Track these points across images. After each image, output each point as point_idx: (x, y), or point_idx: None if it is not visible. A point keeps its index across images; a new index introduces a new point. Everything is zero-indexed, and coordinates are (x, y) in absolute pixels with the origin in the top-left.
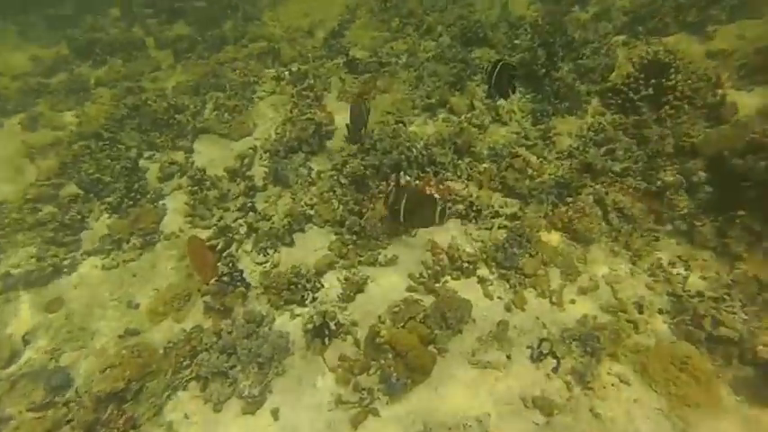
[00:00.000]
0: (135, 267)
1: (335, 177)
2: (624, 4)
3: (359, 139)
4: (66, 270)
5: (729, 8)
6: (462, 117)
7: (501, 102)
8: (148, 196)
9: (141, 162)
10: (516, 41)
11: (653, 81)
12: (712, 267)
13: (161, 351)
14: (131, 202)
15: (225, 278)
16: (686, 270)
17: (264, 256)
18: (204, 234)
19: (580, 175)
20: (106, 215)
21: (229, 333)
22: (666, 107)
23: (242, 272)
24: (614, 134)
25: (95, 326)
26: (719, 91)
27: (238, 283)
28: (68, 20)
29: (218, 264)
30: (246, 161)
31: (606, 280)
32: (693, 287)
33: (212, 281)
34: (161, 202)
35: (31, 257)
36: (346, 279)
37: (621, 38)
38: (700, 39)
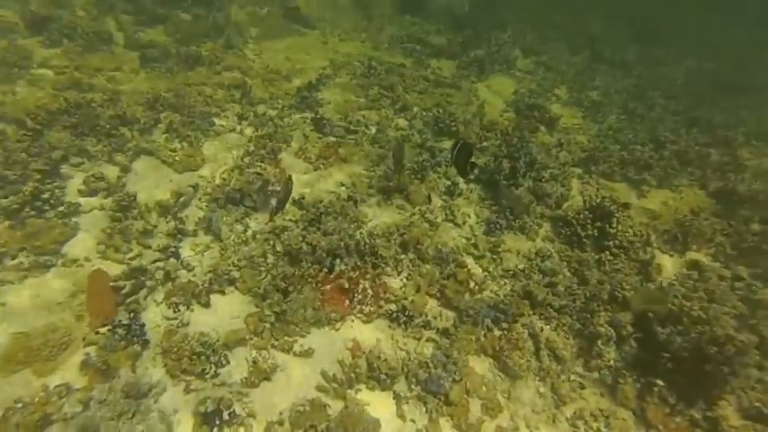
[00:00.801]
0: (9, 293)
1: (271, 243)
2: (583, 141)
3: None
4: None
5: (658, 177)
6: (416, 209)
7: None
8: (60, 209)
9: (64, 168)
10: (485, 143)
11: (598, 224)
12: (630, 430)
13: None
14: (34, 212)
15: (120, 329)
16: (606, 428)
17: (174, 311)
18: (113, 270)
19: (520, 302)
20: None
21: (100, 403)
22: (607, 252)
23: (143, 326)
24: (559, 266)
25: None
26: (649, 249)
27: (135, 338)
28: None
29: (117, 309)
30: (183, 199)
31: (527, 422)
32: None
33: (104, 328)
34: (74, 220)
35: None
36: (254, 362)
37: (578, 170)
38: (637, 193)
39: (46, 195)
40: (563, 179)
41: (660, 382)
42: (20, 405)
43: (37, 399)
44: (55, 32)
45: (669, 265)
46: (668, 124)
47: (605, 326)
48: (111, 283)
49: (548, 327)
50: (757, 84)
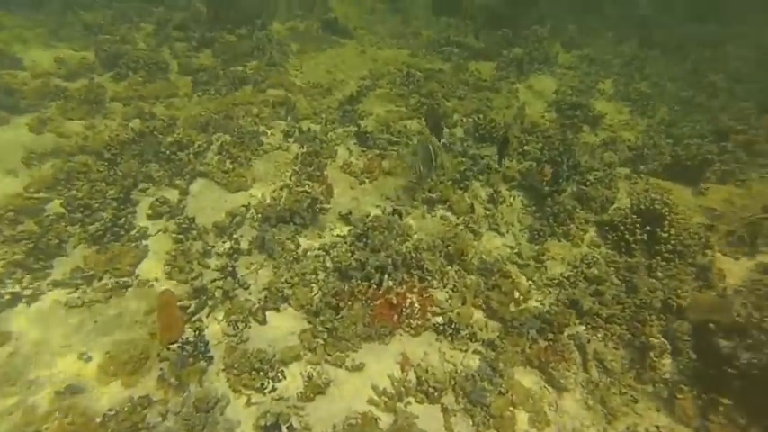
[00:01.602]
0: (99, 312)
1: (321, 259)
2: (630, 138)
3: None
4: (25, 299)
5: (721, 172)
6: (460, 219)
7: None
8: (133, 233)
9: (134, 195)
10: (526, 147)
11: (648, 228)
12: None
13: (98, 420)
14: (113, 237)
15: (188, 346)
16: None
17: (234, 329)
18: (179, 289)
19: (565, 311)
20: (84, 245)
21: (176, 415)
22: (659, 257)
23: (207, 343)
24: (606, 273)
25: (37, 374)
26: (709, 252)
27: (200, 355)
28: (102, 26)
29: (185, 327)
30: (237, 220)
31: None
32: None
33: (174, 345)
34: (144, 243)
35: None
36: (309, 377)
37: (625, 170)
38: (693, 191)
39: (122, 221)
40: (609, 182)
41: (726, 401)
42: (113, 412)
43: (126, 408)
44: (123, 67)
45: (735, 269)
46: (733, 112)
47: (659, 336)
48: (177, 303)
49: (596, 337)
50: None
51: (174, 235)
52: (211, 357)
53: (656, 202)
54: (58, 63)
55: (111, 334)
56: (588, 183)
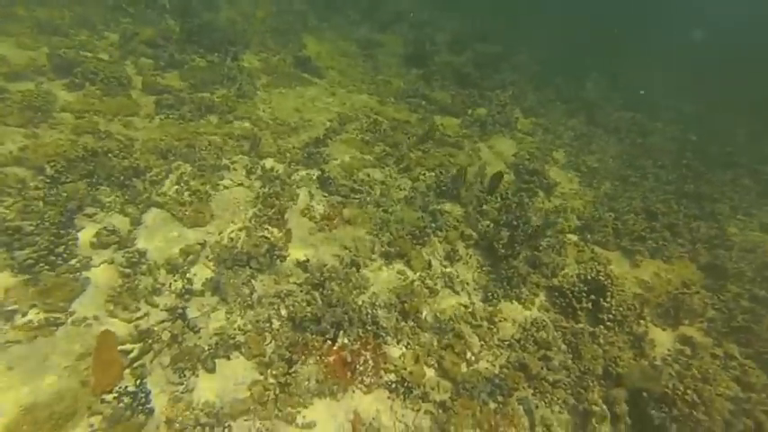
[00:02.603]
0: (19, 355)
1: (276, 307)
2: (578, 207)
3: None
4: None
5: (651, 249)
6: (417, 275)
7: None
8: (72, 263)
9: (78, 219)
10: (485, 206)
11: (592, 297)
12: None
13: None
14: (47, 266)
15: (125, 397)
16: None
17: (180, 377)
18: (121, 329)
19: (515, 374)
20: (9, 273)
21: None
22: (601, 326)
23: (149, 393)
24: (553, 338)
25: None
26: (642, 322)
27: (140, 408)
28: (59, 27)
29: (123, 373)
30: (191, 258)
31: None
32: None
33: (109, 394)
34: (84, 275)
35: None
36: None
37: (574, 237)
38: (630, 263)
39: (60, 249)
40: (559, 249)
41: None
42: None
43: None
44: (79, 75)
45: (663, 339)
46: (659, 195)
47: (599, 403)
48: (118, 346)
49: (543, 402)
50: (740, 158)
51: (120, 268)
52: (152, 410)
53: (600, 273)
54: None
55: (31, 383)
56: (540, 248)
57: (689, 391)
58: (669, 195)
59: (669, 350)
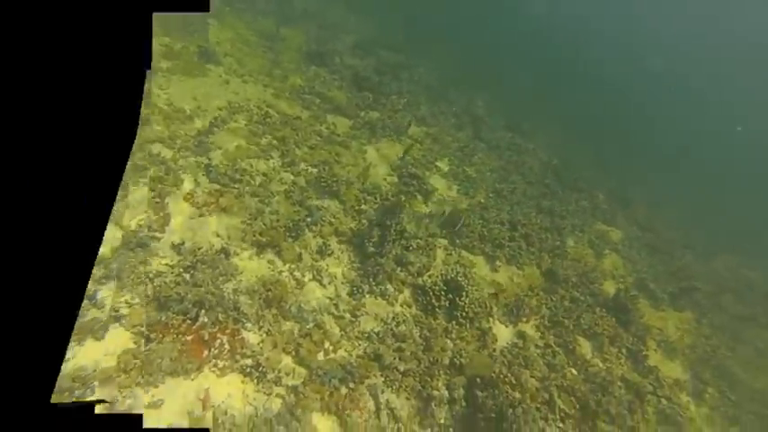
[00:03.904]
0: None
1: (145, 286)
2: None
3: None
4: None
5: (509, 255)
6: (286, 266)
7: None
8: None
9: None
10: (363, 206)
11: (450, 296)
12: None
13: None
14: None
15: None
16: None
17: None
18: None
19: (368, 364)
20: None
21: None
22: (454, 322)
23: None
24: (410, 331)
25: None
26: (490, 319)
27: None
28: None
29: None
30: None
31: None
32: None
33: None
34: None
35: None
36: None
37: (444, 241)
38: (491, 266)
39: None
40: (429, 249)
41: None
42: None
43: None
44: None
45: (505, 334)
46: (523, 208)
47: (442, 388)
48: None
49: (391, 388)
50: (590, 180)
51: None
52: None
53: (459, 275)
54: None
55: None
56: (410, 248)
57: (510, 375)
58: (531, 209)
59: (507, 343)
